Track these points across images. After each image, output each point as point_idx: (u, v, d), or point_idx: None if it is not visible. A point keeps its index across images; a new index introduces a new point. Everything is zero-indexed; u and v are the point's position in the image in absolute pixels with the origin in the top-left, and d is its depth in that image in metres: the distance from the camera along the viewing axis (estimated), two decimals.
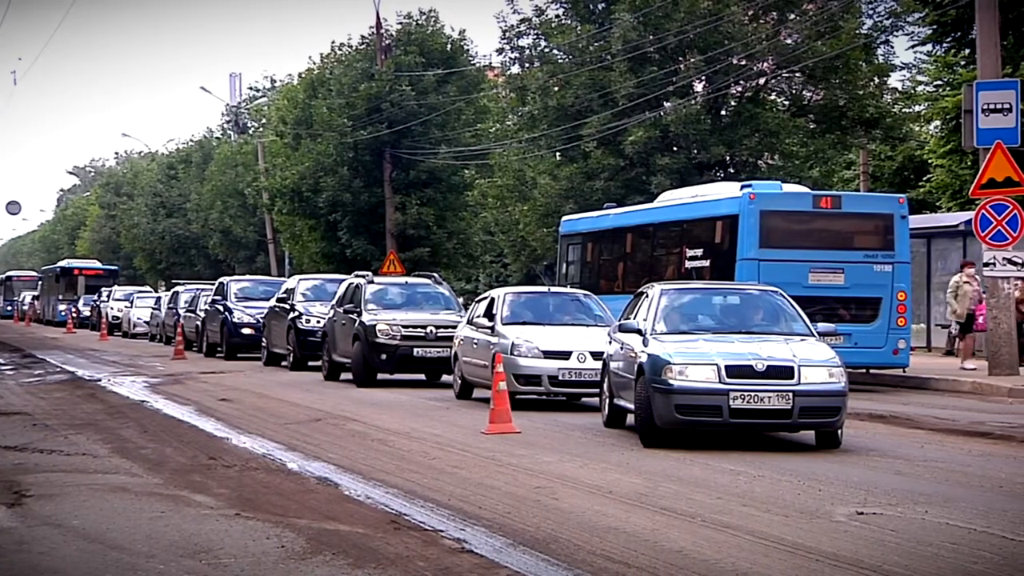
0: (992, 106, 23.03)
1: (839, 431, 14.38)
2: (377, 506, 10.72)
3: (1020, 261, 23.28)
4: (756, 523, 9.77)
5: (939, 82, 40.89)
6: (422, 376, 24.57)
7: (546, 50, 40.15)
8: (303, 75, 54.61)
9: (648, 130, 36.07)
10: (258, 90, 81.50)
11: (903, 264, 23.31)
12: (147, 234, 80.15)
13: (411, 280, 27.74)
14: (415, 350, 23.65)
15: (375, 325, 23.74)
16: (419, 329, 23.78)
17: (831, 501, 10.77)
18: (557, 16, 40.71)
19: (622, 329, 15.91)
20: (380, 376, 24.20)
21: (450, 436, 15.89)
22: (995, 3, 24.17)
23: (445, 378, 23.91)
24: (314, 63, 53.51)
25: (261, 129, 70.51)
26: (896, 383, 24.08)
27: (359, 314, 24.32)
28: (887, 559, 8.48)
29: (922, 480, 12.23)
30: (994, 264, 23.28)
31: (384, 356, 23.65)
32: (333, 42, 52.26)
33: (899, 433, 16.35)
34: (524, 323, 20.05)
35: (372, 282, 25.70)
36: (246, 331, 33.18)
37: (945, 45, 40.20)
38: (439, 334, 23.59)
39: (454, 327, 23.29)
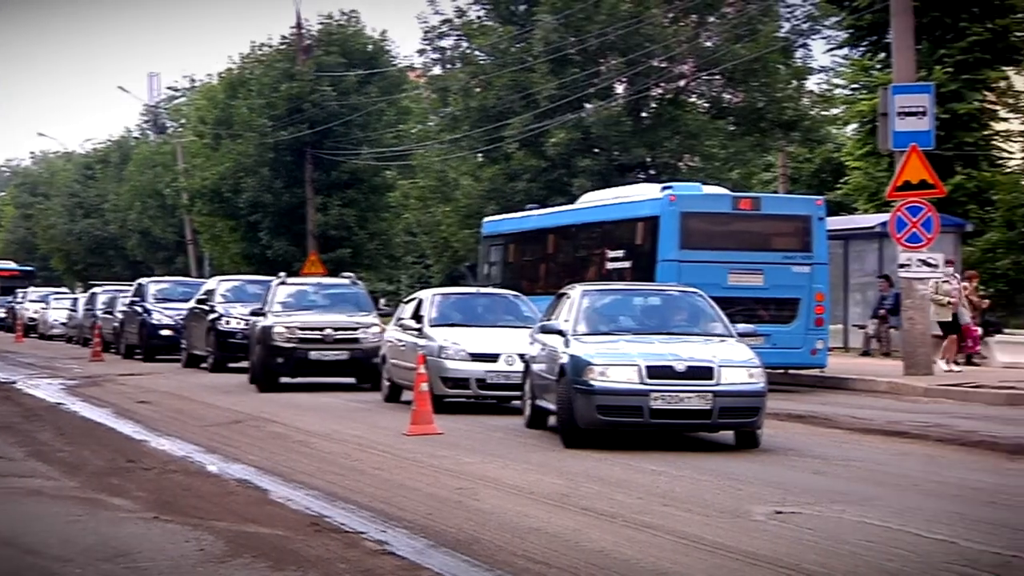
0: (907, 109, 23.33)
1: (758, 431, 14.49)
2: (298, 508, 10.66)
3: (935, 262, 23.61)
4: (676, 522, 9.83)
5: (856, 85, 41.34)
6: (353, 379, 23.79)
7: (468, 51, 40.14)
8: (223, 75, 54.19)
9: (570, 131, 36.18)
10: (177, 90, 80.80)
11: (821, 265, 23.54)
12: (64, 235, 79.11)
13: (325, 281, 27.50)
14: (311, 353, 23.05)
15: (272, 328, 23.24)
16: (316, 332, 23.24)
17: (750, 500, 10.86)
18: (479, 17, 40.72)
19: (544, 330, 15.94)
20: (312, 380, 23.73)
21: (372, 438, 15.83)
22: (910, 8, 24.51)
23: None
24: (234, 63, 53.13)
25: (180, 129, 69.95)
26: (814, 383, 24.32)
27: (264, 316, 23.96)
28: (805, 558, 8.56)
29: (839, 479, 12.36)
30: (909, 265, 23.59)
31: (281, 360, 23.07)
32: (253, 42, 51.92)
33: (817, 433, 16.52)
34: (452, 325, 19.87)
35: (284, 283, 25.30)
36: (165, 333, 32.86)
37: (861, 49, 40.73)
38: (338, 336, 23.17)
39: (355, 329, 23.08)
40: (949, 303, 24.99)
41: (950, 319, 25.18)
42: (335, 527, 9.75)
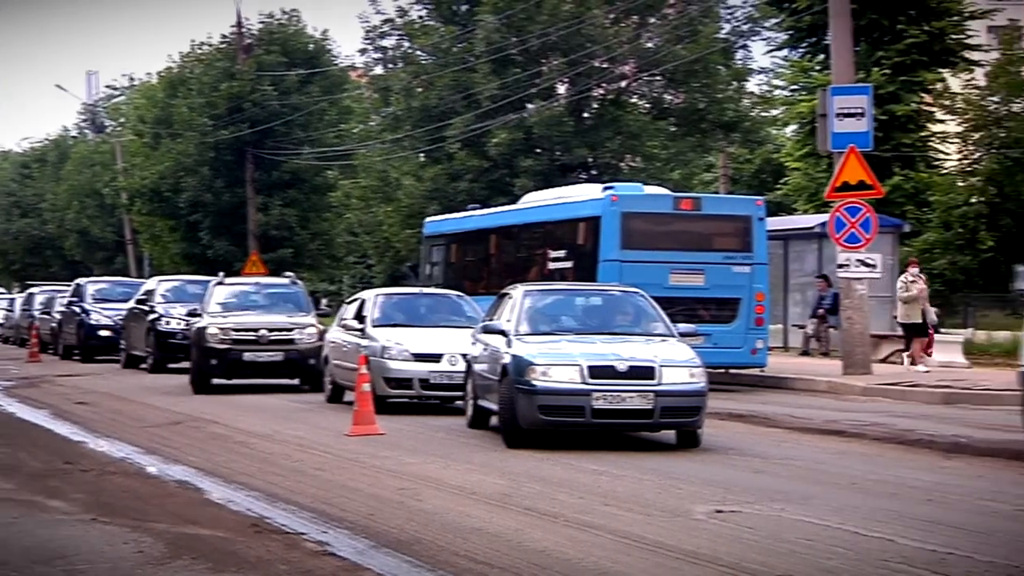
0: (846, 110, 23.53)
1: (699, 430, 14.56)
2: (238, 509, 10.60)
3: (873, 263, 23.82)
4: (618, 522, 9.86)
5: (795, 87, 41.67)
6: (291, 380, 23.55)
7: (409, 51, 40.10)
8: (162, 74, 53.87)
9: (511, 132, 36.23)
10: (116, 88, 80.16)
11: (761, 265, 23.69)
12: (0, 234, 78.28)
13: (264, 281, 27.24)
14: (245, 354, 22.71)
15: (206, 329, 22.94)
16: (251, 333, 22.91)
17: (691, 500, 10.91)
18: (420, 17, 40.69)
19: (486, 330, 15.94)
20: (248, 381, 23.56)
21: (313, 438, 15.77)
22: (848, 10, 24.73)
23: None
24: (174, 62, 52.83)
25: (119, 128, 69.37)
26: (754, 383, 24.48)
27: (200, 317, 23.72)
28: (745, 556, 8.62)
29: (779, 478, 12.45)
30: (848, 265, 23.79)
31: (215, 361, 22.74)
32: (193, 41, 51.66)
33: (757, 432, 16.62)
34: (395, 325, 19.77)
35: (222, 283, 24.98)
36: (104, 333, 32.56)
37: (801, 50, 41.06)
38: (272, 337, 22.88)
39: (291, 330, 22.86)
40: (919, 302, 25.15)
41: (919, 320, 25.29)
42: (276, 528, 9.71)
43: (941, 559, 8.52)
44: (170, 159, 48.84)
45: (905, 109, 38.08)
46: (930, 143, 41.28)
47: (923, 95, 39.58)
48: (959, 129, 44.23)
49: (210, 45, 50.93)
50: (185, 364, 25.38)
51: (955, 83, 43.38)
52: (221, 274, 26.52)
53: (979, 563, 8.41)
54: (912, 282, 25.10)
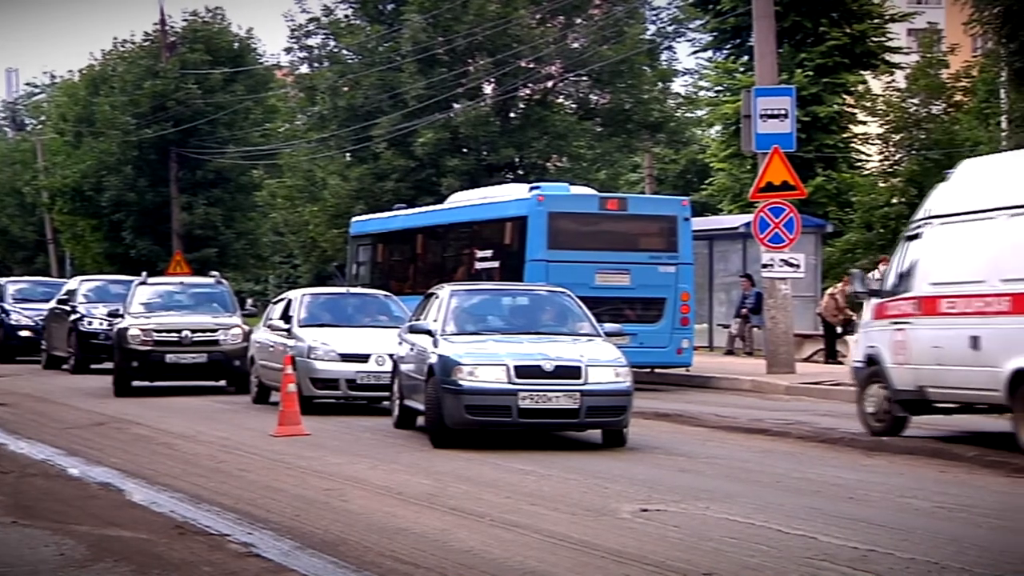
0: (769, 112, 23.72)
1: (625, 430, 14.63)
2: (161, 511, 10.51)
3: (796, 263, 24.03)
4: (544, 521, 9.88)
5: (720, 88, 41.97)
6: (216, 382, 23.21)
7: (335, 50, 39.93)
8: (84, 72, 53.26)
9: (438, 131, 36.18)
10: (37, 86, 79.16)
11: (686, 265, 23.83)
12: None
13: (188, 280, 26.87)
14: (167, 356, 22.32)
15: (128, 330, 22.51)
16: (173, 334, 22.53)
17: (617, 499, 10.96)
18: (346, 16, 40.52)
19: (412, 330, 15.91)
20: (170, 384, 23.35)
21: (238, 439, 15.67)
22: (772, 12, 24.94)
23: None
24: (96, 60, 52.26)
25: (40, 126, 68.51)
26: (680, 382, 24.62)
27: (122, 318, 23.24)
28: (670, 554, 8.67)
29: (704, 476, 12.54)
30: (772, 265, 23.98)
31: (136, 363, 22.32)
32: (116, 39, 51.20)
33: (683, 431, 16.73)
34: (322, 325, 19.69)
35: (145, 283, 24.56)
36: (24, 333, 32.12)
37: (725, 52, 41.35)
38: (196, 339, 22.53)
39: (215, 331, 22.61)
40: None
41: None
42: (200, 530, 9.64)
43: (863, 556, 8.62)
44: (92, 158, 48.32)
45: (827, 111, 38.48)
46: (852, 144, 41.76)
47: (845, 97, 40.02)
48: (880, 130, 44.74)
49: (133, 43, 50.45)
50: (108, 365, 25.07)
51: (876, 85, 43.90)
52: (144, 274, 26.16)
53: (900, 560, 8.52)
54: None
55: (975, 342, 13.89)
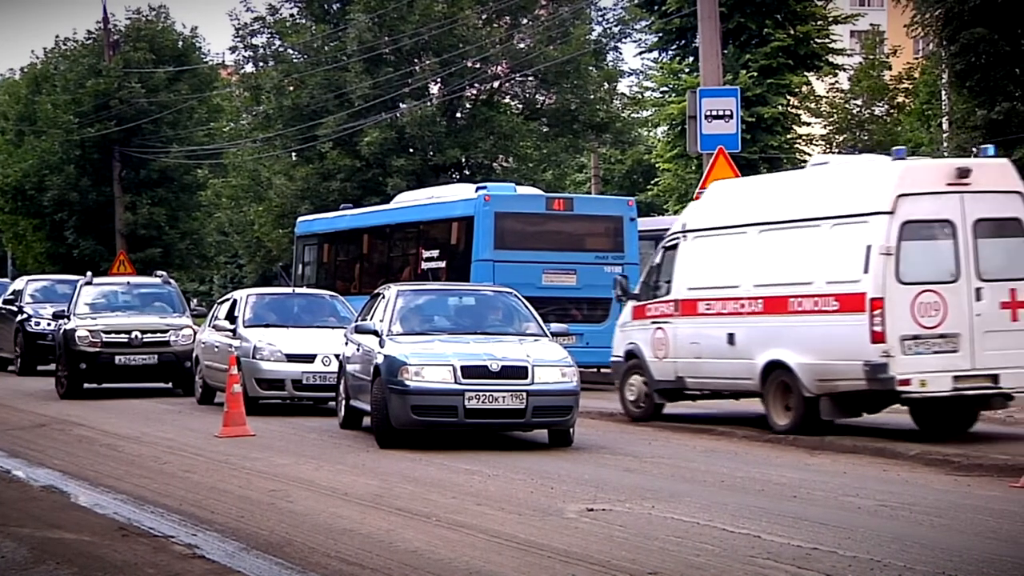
0: (714, 112, 23.81)
1: (571, 429, 14.67)
2: (105, 513, 10.44)
3: None
4: (490, 522, 9.89)
5: (665, 88, 42.11)
6: (164, 383, 22.97)
7: (280, 49, 39.78)
8: (26, 70, 52.77)
9: (384, 131, 36.11)
10: None
11: (632, 265, 23.88)
12: None
13: (135, 280, 26.51)
14: (117, 358, 22.06)
15: (75, 331, 22.19)
16: (123, 335, 22.26)
17: (563, 498, 10.99)
18: (291, 15, 40.39)
19: (358, 330, 15.87)
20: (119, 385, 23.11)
21: (183, 440, 15.59)
22: (716, 14, 25.05)
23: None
24: (37, 58, 51.81)
25: None
26: None
27: (67, 319, 22.87)
28: (615, 554, 8.70)
29: (649, 476, 12.60)
30: None
31: (84, 365, 22.02)
32: (57, 36, 50.85)
33: (628, 431, 16.80)
34: (268, 325, 19.59)
35: (90, 283, 24.23)
36: None
37: (671, 52, 41.51)
38: (145, 340, 22.26)
39: (165, 332, 22.37)
40: None
41: None
42: (143, 531, 9.58)
43: (806, 554, 8.68)
44: (34, 157, 47.90)
45: (772, 111, 38.70)
46: (796, 145, 42.02)
47: (789, 98, 40.26)
48: (824, 131, 45.12)
49: (75, 41, 50.07)
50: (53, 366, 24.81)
51: (820, 86, 44.24)
52: (89, 274, 25.89)
53: (843, 558, 8.59)
54: None
55: (731, 338, 16.27)
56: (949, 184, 14.77)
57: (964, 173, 14.81)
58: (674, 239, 17.64)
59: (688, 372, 17.12)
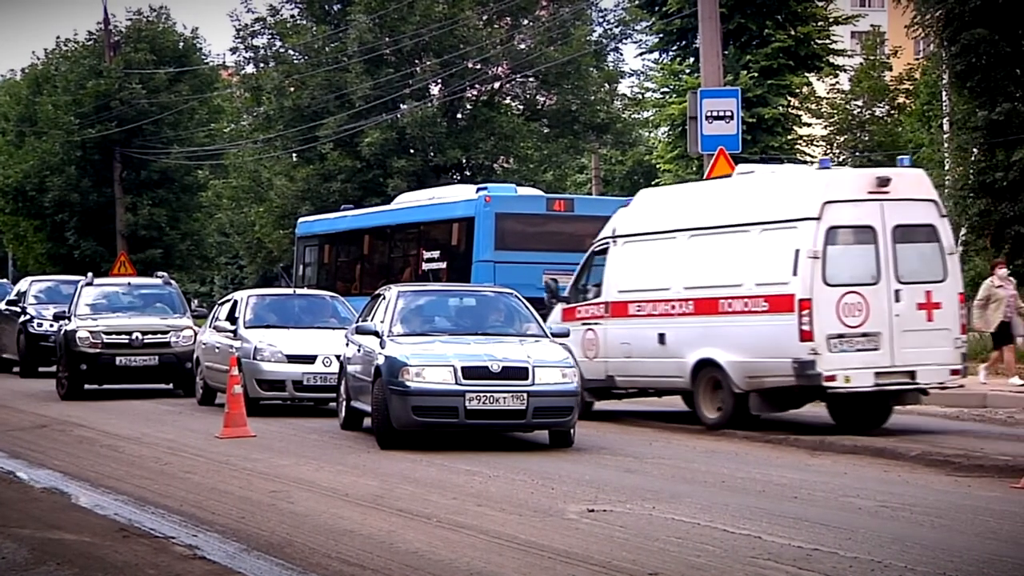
0: (715, 113, 23.82)
1: (572, 430, 14.67)
2: (105, 514, 10.44)
3: None
4: (491, 522, 9.89)
5: (666, 89, 42.11)
6: (165, 384, 22.88)
7: (281, 50, 39.80)
8: (27, 71, 52.80)
9: (385, 132, 36.13)
10: None
11: None
12: None
13: (136, 281, 26.44)
14: (118, 359, 22.01)
15: (76, 332, 22.15)
16: (123, 336, 22.20)
17: (563, 499, 10.99)
18: (292, 16, 40.43)
19: (359, 331, 15.86)
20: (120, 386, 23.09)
21: (183, 441, 15.59)
22: (717, 14, 25.05)
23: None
24: (38, 59, 51.84)
25: None
26: None
27: (68, 320, 22.82)
28: (616, 554, 8.70)
29: (650, 477, 12.59)
30: None
31: (85, 366, 21.95)
32: (59, 37, 50.90)
33: (629, 431, 16.80)
34: (268, 326, 19.57)
35: (91, 284, 24.14)
36: None
37: (671, 53, 41.51)
38: (146, 341, 22.20)
39: (166, 333, 22.30)
40: (1004, 310, 21.43)
41: (994, 329, 21.71)
42: (144, 532, 9.58)
43: (807, 555, 8.68)
44: (35, 157, 47.92)
45: (772, 112, 38.70)
46: (797, 146, 42.01)
47: (790, 98, 40.26)
48: (824, 132, 45.11)
49: (76, 42, 50.11)
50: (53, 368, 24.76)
51: (820, 87, 44.22)
52: (90, 274, 25.85)
53: (844, 559, 8.59)
54: (999, 287, 21.67)
55: (662, 338, 17.02)
56: (870, 192, 15.66)
57: (884, 182, 15.71)
58: (603, 244, 18.51)
59: (618, 371, 17.85)
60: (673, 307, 16.80)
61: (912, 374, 15.67)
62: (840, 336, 15.29)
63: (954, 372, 15.94)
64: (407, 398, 14.09)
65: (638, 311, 17.56)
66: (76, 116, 46.72)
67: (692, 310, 16.72)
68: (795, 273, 15.36)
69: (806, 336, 15.20)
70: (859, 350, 15.37)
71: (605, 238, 18.56)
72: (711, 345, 16.13)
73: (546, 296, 19.28)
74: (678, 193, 19.66)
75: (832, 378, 15.26)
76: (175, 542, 9.21)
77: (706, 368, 16.39)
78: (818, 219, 15.35)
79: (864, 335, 15.37)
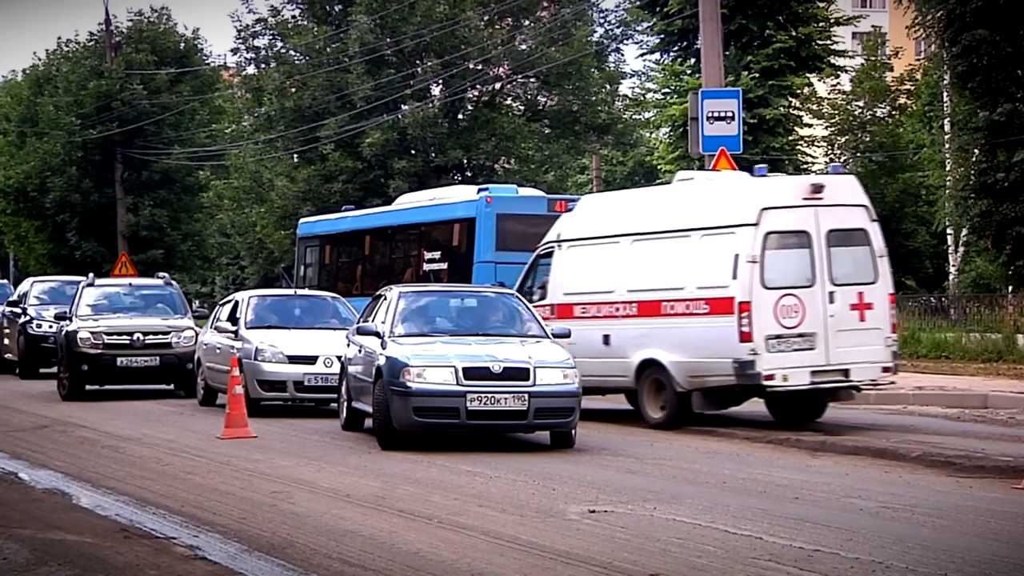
0: (716, 114, 23.82)
1: (573, 431, 14.66)
2: (106, 514, 10.44)
3: None
4: (492, 523, 9.89)
5: (667, 90, 42.17)
6: (166, 385, 22.86)
7: (282, 51, 39.82)
8: (28, 71, 52.84)
9: (386, 132, 36.14)
10: None
11: None
12: None
13: (137, 282, 26.41)
14: (119, 359, 21.96)
15: (77, 333, 22.12)
16: (124, 336, 22.16)
17: (564, 500, 10.98)
18: (293, 17, 40.44)
19: (360, 332, 15.86)
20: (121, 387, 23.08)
21: (184, 441, 15.58)
22: (718, 15, 25.06)
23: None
24: (39, 59, 51.87)
25: None
26: None
27: (69, 320, 22.79)
28: (617, 555, 8.70)
29: (651, 478, 12.59)
30: None
31: (86, 367, 21.90)
32: (60, 38, 50.94)
33: (630, 432, 16.79)
34: (269, 327, 19.55)
35: (92, 285, 24.09)
36: None
37: (672, 54, 41.54)
38: (147, 341, 22.15)
39: (167, 333, 22.27)
40: None
41: None
42: (145, 533, 9.58)
43: (808, 556, 8.68)
44: (36, 158, 47.95)
45: (773, 113, 38.74)
46: (798, 146, 42.06)
47: (791, 99, 40.31)
48: (826, 133, 45.16)
49: (77, 43, 50.18)
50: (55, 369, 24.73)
51: (821, 88, 44.26)
52: (91, 275, 25.83)
53: (845, 560, 8.59)
54: None
55: (607, 339, 17.57)
56: (805, 199, 16.30)
57: (818, 189, 16.33)
58: (548, 248, 19.11)
59: None
60: (617, 309, 17.29)
61: (846, 372, 16.23)
62: (778, 337, 15.86)
63: (885, 369, 16.52)
64: (408, 399, 14.08)
65: (583, 313, 18.08)
66: (77, 117, 46.76)
67: (636, 312, 17.30)
68: (734, 277, 15.94)
69: (746, 337, 15.78)
70: (796, 350, 15.95)
71: (550, 242, 19.13)
72: (654, 346, 16.60)
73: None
74: (621, 199, 20.39)
75: (771, 377, 15.84)
76: (176, 543, 9.21)
77: (650, 368, 16.94)
78: (756, 225, 15.96)
79: (800, 335, 15.96)
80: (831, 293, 16.09)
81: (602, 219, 18.67)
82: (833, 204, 16.36)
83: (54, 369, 25.29)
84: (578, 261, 18.51)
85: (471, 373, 14.10)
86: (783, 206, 16.25)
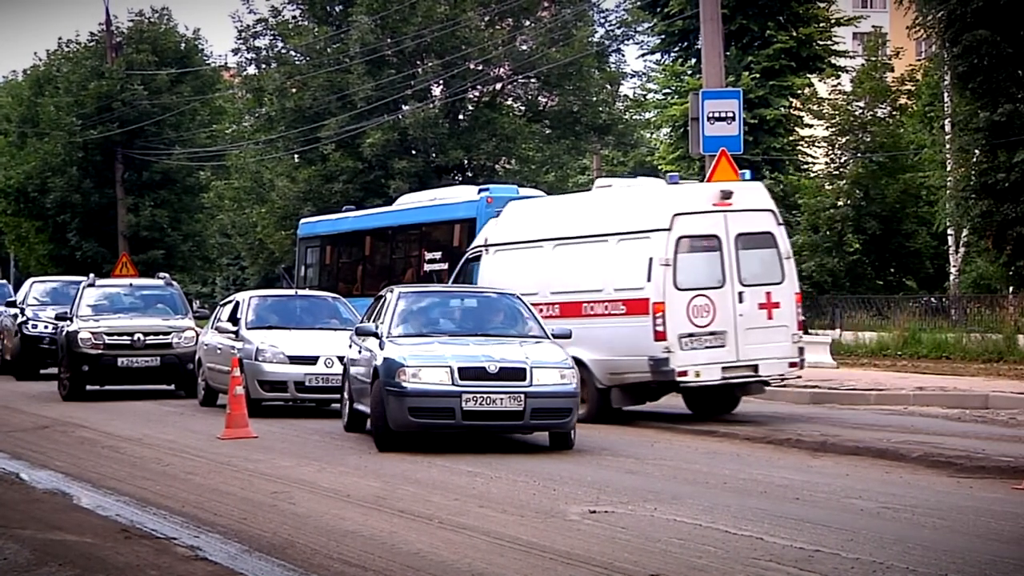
0: (717, 114, 23.82)
1: (571, 431, 14.63)
2: (107, 515, 10.44)
3: None
4: (492, 524, 9.89)
5: (667, 90, 42.18)
6: (167, 386, 22.87)
7: (283, 51, 39.83)
8: (29, 72, 52.87)
9: (386, 133, 36.15)
10: None
11: None
12: None
13: (137, 282, 26.38)
14: (119, 360, 21.97)
15: (78, 333, 22.11)
16: (125, 337, 22.16)
17: (565, 500, 10.98)
18: (294, 17, 40.45)
19: (360, 332, 15.85)
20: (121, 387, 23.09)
21: (185, 442, 15.58)
22: (719, 15, 25.07)
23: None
24: (40, 60, 51.90)
25: None
26: None
27: (69, 320, 22.79)
28: (617, 556, 8.70)
29: (652, 478, 12.59)
30: None
31: (87, 367, 21.90)
32: (60, 39, 50.95)
33: (630, 432, 16.79)
34: (270, 327, 19.54)
35: (92, 285, 24.08)
36: None
37: (673, 54, 41.54)
38: (148, 342, 22.14)
39: (168, 334, 22.26)
40: None
41: None
42: (146, 533, 9.58)
43: (809, 556, 8.68)
44: (36, 159, 47.98)
45: (774, 113, 38.75)
46: (798, 147, 42.08)
47: (791, 100, 40.32)
48: (826, 133, 45.15)
49: (78, 43, 50.21)
50: (54, 369, 24.73)
51: (822, 88, 44.25)
52: (91, 275, 25.82)
53: (845, 560, 8.59)
54: None
55: None
56: (715, 204, 17.21)
57: (727, 195, 17.26)
58: (476, 252, 19.95)
59: None
60: (541, 311, 17.47)
61: (755, 367, 17.22)
62: (690, 335, 16.84)
63: (792, 364, 17.51)
64: (403, 399, 14.05)
65: None
66: (78, 117, 46.78)
67: (558, 313, 18.00)
68: (649, 279, 16.85)
69: (660, 336, 16.74)
70: (707, 347, 16.92)
71: (478, 246, 19.96)
72: (576, 345, 16.70)
73: None
74: (544, 206, 21.15)
75: (684, 373, 16.86)
76: (177, 543, 9.21)
77: None
78: (668, 230, 16.88)
79: (712, 334, 16.92)
80: (740, 293, 16.99)
81: (527, 225, 19.55)
82: (742, 209, 17.23)
83: (52, 370, 25.33)
84: (504, 264, 19.28)
85: (467, 373, 14.06)
86: (694, 212, 17.12)
